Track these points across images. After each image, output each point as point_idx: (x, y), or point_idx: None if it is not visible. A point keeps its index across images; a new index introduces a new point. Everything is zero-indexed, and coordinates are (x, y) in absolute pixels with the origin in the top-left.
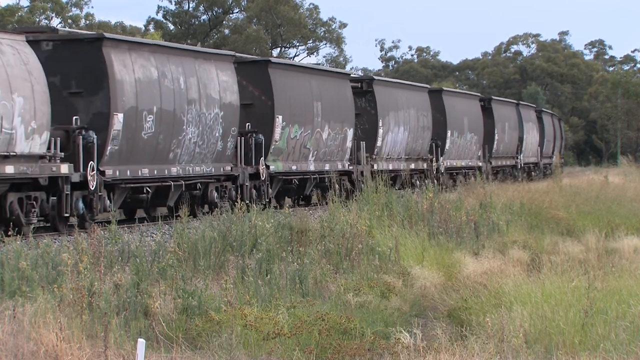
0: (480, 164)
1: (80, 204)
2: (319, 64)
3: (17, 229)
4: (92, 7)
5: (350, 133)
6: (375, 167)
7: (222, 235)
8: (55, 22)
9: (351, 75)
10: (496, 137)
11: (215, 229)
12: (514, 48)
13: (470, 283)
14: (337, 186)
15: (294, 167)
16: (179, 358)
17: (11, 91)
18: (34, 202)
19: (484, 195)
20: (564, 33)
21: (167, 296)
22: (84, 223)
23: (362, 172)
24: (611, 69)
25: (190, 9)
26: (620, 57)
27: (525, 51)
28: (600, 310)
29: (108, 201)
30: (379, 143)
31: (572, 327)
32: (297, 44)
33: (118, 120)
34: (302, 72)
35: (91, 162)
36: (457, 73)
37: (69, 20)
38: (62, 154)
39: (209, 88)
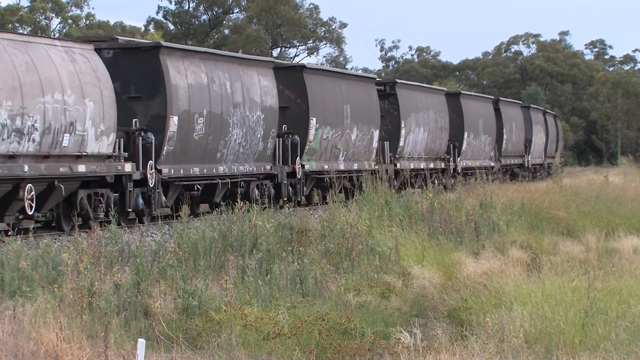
0: (492, 164)
1: (140, 200)
2: (320, 64)
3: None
4: (93, 8)
5: (376, 134)
6: (399, 166)
7: (222, 235)
8: (55, 22)
9: (376, 79)
10: (504, 136)
11: (216, 229)
12: (514, 48)
13: (471, 283)
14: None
15: (326, 167)
16: (179, 358)
17: (83, 96)
18: (101, 198)
19: (484, 195)
20: (564, 33)
21: (167, 296)
22: (142, 217)
23: (386, 171)
24: (611, 69)
25: (190, 9)
26: (620, 57)
27: (526, 51)
28: (600, 310)
29: (164, 197)
30: (401, 143)
31: (572, 327)
32: (297, 44)
33: (173, 123)
34: (333, 76)
35: (150, 161)
36: (457, 73)
37: (69, 21)
38: (126, 153)
39: (252, 92)
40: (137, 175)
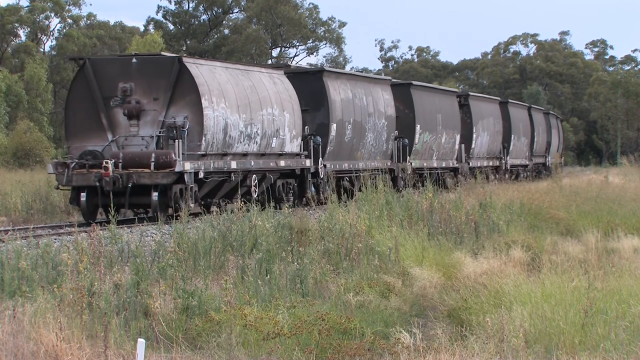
0: (527, 162)
1: (312, 188)
2: (320, 64)
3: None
4: (91, 4)
5: (457, 138)
6: (471, 164)
7: (222, 235)
8: (55, 22)
9: (457, 92)
10: (535, 139)
11: (216, 228)
12: (513, 48)
13: (470, 283)
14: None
15: (425, 164)
16: (179, 358)
17: (283, 109)
18: (290, 186)
19: (483, 195)
20: (564, 33)
21: (167, 296)
22: (311, 202)
23: (463, 168)
24: (611, 69)
25: (190, 8)
26: (621, 57)
27: (524, 51)
28: (600, 310)
29: (327, 186)
30: (473, 145)
31: (572, 327)
32: (297, 44)
33: (333, 129)
34: (430, 90)
35: (320, 158)
36: (457, 73)
37: (69, 20)
38: (306, 152)
39: (379, 104)
40: (312, 169)
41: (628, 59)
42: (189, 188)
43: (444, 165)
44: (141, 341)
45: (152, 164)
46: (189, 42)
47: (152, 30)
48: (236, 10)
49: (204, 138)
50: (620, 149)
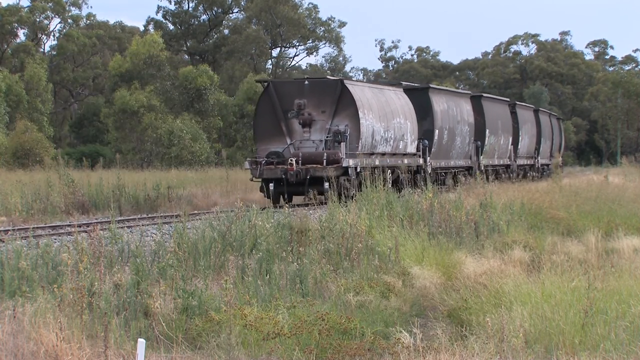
0: (549, 161)
1: (421, 181)
2: (320, 64)
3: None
4: (91, 7)
5: (510, 140)
6: (517, 162)
7: (222, 235)
8: (55, 22)
9: (509, 101)
10: (554, 141)
11: (215, 229)
12: (513, 48)
13: (470, 283)
14: (503, 175)
15: (490, 162)
16: (179, 358)
17: (406, 119)
18: (408, 179)
19: (484, 195)
20: (565, 33)
21: (167, 296)
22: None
23: (514, 166)
24: (611, 69)
25: (190, 8)
26: (622, 57)
27: (525, 51)
28: (600, 310)
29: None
30: (519, 146)
31: (572, 327)
32: (297, 44)
33: (436, 134)
34: (494, 101)
35: (427, 157)
36: (457, 73)
37: (69, 20)
38: (419, 152)
39: (463, 114)
40: (423, 166)
41: (628, 59)
42: (352, 179)
43: (501, 163)
44: (141, 341)
45: (324, 161)
46: (189, 42)
47: (152, 30)
48: (236, 10)
49: (360, 141)
50: (620, 149)
